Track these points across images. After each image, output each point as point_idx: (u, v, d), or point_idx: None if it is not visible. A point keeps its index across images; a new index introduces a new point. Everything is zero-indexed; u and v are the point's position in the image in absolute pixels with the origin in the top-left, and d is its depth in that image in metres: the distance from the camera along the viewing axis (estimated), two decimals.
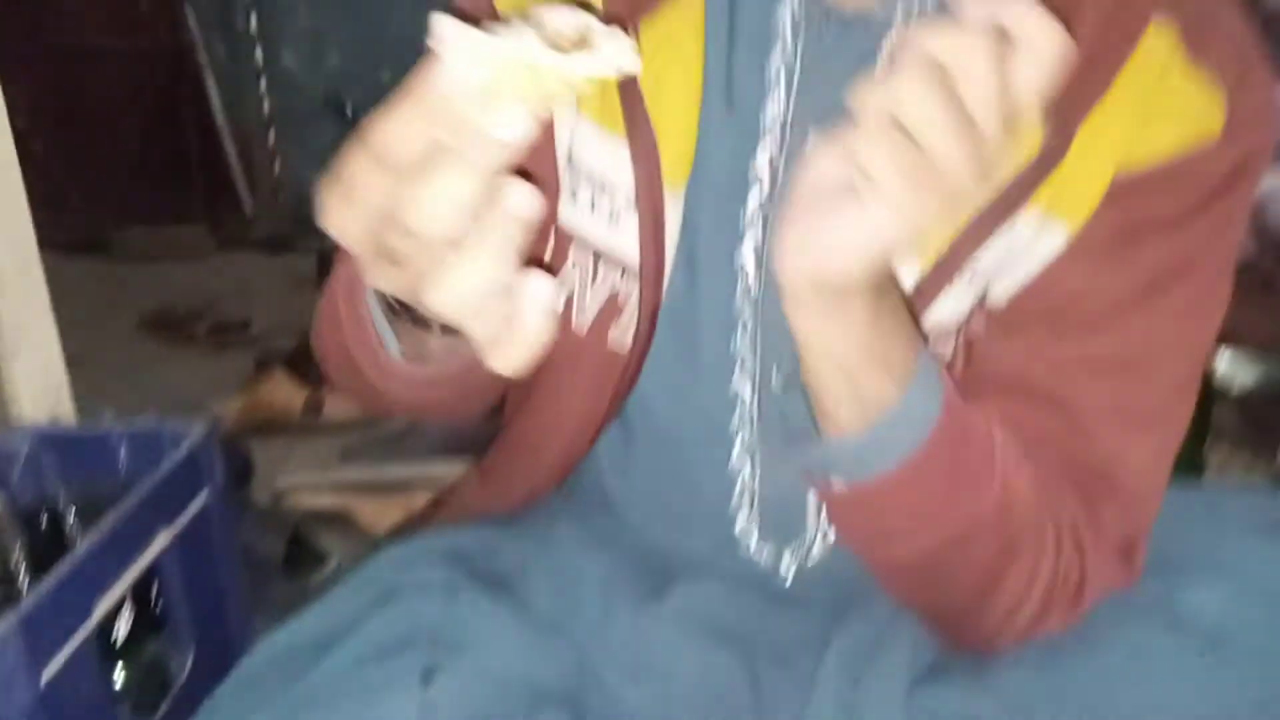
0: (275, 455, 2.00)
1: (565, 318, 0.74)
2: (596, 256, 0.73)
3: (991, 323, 0.70)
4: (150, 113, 3.55)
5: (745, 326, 0.73)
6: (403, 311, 0.60)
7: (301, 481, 1.86)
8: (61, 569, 0.95)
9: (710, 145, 0.69)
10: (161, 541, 1.11)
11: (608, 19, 0.54)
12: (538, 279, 0.48)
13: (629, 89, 0.68)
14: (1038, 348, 0.68)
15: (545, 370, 0.75)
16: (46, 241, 1.68)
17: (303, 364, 2.33)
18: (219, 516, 1.23)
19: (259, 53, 3.66)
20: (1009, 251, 0.67)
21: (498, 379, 0.69)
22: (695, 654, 0.82)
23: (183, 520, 1.15)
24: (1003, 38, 0.48)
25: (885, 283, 0.59)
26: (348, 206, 0.48)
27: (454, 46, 0.44)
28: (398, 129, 0.46)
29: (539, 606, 0.81)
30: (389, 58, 3.65)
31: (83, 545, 1.00)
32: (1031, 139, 0.62)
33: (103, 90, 3.51)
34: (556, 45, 0.44)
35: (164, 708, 1.10)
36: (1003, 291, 0.69)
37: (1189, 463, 1.64)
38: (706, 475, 0.80)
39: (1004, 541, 0.66)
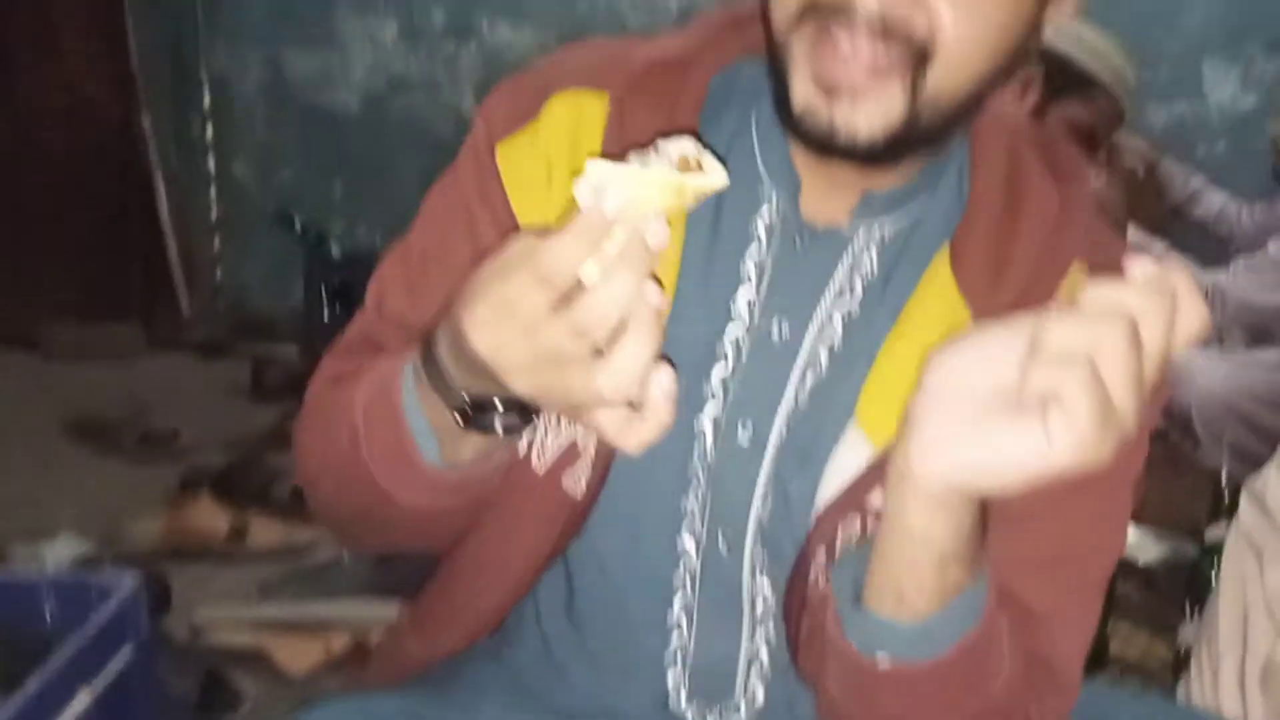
0: (195, 582, 1.98)
1: (525, 458, 0.77)
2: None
3: None
4: (95, 210, 3.56)
5: (697, 488, 0.78)
6: (474, 417, 0.65)
7: (219, 616, 1.85)
8: None
9: (681, 321, 0.75)
10: (83, 701, 1.11)
11: None
12: (665, 367, 0.57)
13: None
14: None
15: (495, 508, 0.78)
16: None
17: (229, 486, 2.33)
18: (141, 672, 1.23)
19: (211, 160, 3.71)
20: None
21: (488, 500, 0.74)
22: None
23: (105, 678, 1.15)
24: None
25: None
26: (508, 322, 0.56)
27: (615, 179, 0.54)
28: (567, 253, 0.54)
29: None
30: (342, 174, 3.73)
31: (2, 709, 1.00)
32: None
33: (51, 185, 3.52)
34: (681, 168, 0.56)
35: None
36: None
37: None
38: (644, 627, 0.83)
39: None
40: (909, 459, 0.59)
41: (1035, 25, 0.71)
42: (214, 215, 3.73)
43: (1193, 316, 0.54)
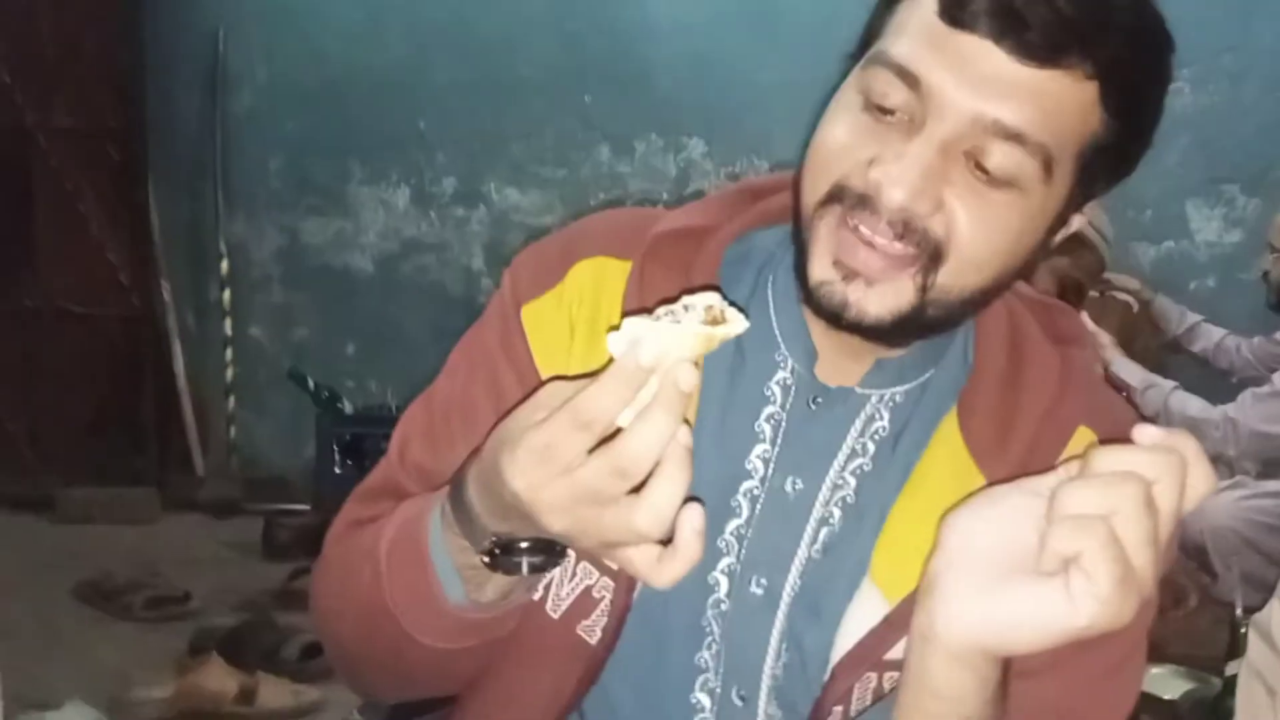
0: None
1: (539, 605, 0.79)
2: (576, 557, 0.78)
3: None
4: (112, 376, 3.65)
5: (711, 642, 0.79)
6: (500, 558, 0.67)
7: None
8: None
9: (698, 477, 0.78)
10: None
11: None
12: (694, 505, 0.60)
13: None
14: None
15: (511, 655, 0.79)
16: None
17: (239, 648, 2.31)
18: None
19: (228, 323, 3.81)
20: None
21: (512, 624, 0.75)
22: None
23: None
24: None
25: None
26: (548, 464, 0.59)
27: (649, 332, 0.59)
28: (606, 399, 0.58)
29: None
30: (355, 333, 3.82)
31: None
32: None
33: (68, 351, 3.62)
34: (707, 319, 0.61)
35: None
36: None
37: None
38: None
39: None
40: (933, 619, 0.59)
41: (1050, 233, 0.74)
42: (229, 376, 3.80)
43: (1201, 477, 0.56)
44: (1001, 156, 0.67)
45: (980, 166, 0.67)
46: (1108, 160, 0.72)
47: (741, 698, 0.79)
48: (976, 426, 0.76)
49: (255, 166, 3.83)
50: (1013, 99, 0.66)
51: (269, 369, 3.80)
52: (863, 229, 0.69)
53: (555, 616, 0.79)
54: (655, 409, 0.58)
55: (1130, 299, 2.87)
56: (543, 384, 0.66)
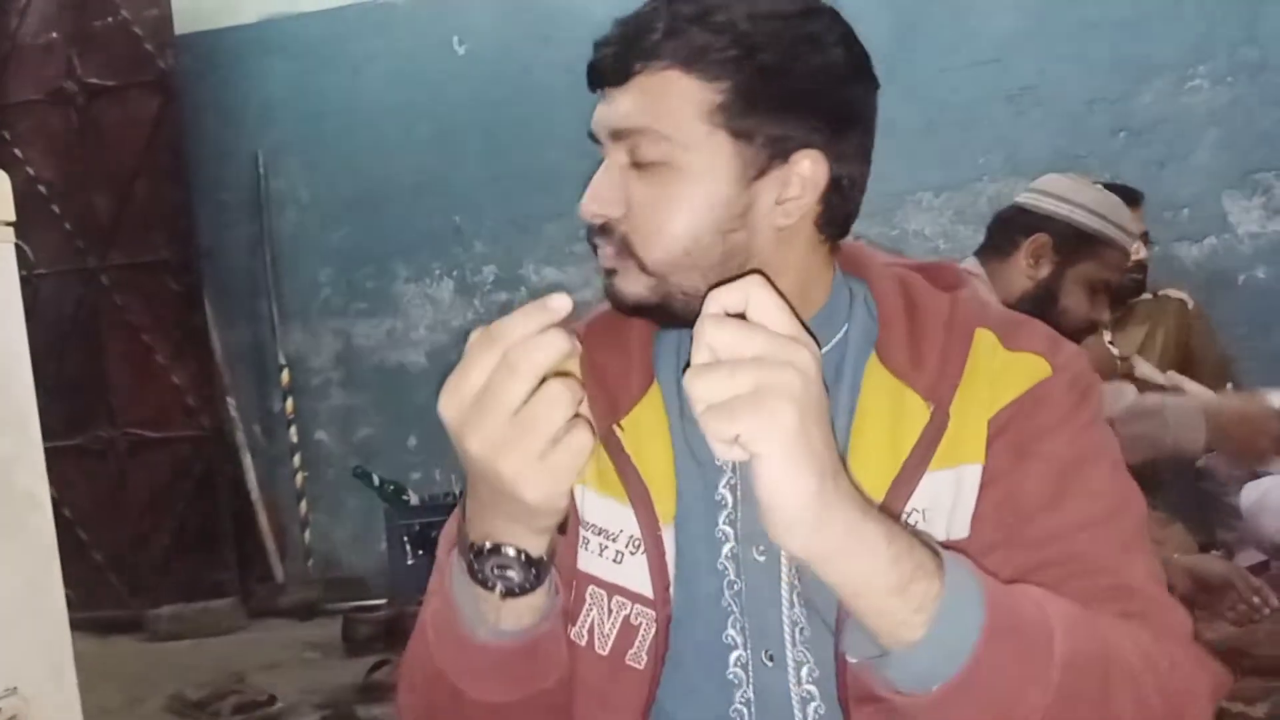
0: None
1: (590, 649, 0.86)
2: (609, 594, 0.87)
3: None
4: (188, 495, 3.77)
5: (734, 618, 0.86)
6: (477, 563, 0.72)
7: None
8: None
9: (686, 487, 0.88)
10: None
11: (598, 422, 0.75)
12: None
13: (622, 460, 0.87)
14: (1009, 556, 0.79)
15: (578, 705, 0.86)
16: (83, 624, 1.79)
17: None
18: None
19: (293, 431, 3.94)
20: (948, 500, 0.82)
21: (551, 670, 0.81)
22: None
23: None
24: None
25: (865, 503, 0.68)
26: (462, 394, 0.66)
27: None
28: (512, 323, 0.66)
29: None
30: (414, 427, 3.92)
31: None
32: (921, 418, 0.83)
33: (145, 477, 3.76)
34: None
35: None
36: (960, 528, 0.82)
37: None
38: None
39: (1099, 682, 0.72)
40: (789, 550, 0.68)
41: (752, 181, 0.84)
42: (299, 483, 3.91)
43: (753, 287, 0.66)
44: (641, 148, 0.83)
45: (635, 164, 0.84)
46: (749, 105, 0.82)
47: (770, 658, 0.85)
48: (895, 355, 0.85)
49: (306, 278, 3.99)
50: (619, 111, 0.84)
51: (336, 471, 3.90)
52: (595, 239, 0.87)
53: (604, 654, 0.86)
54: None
55: (1185, 295, 2.81)
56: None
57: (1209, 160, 3.31)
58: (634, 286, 0.85)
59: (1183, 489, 2.46)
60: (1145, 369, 2.42)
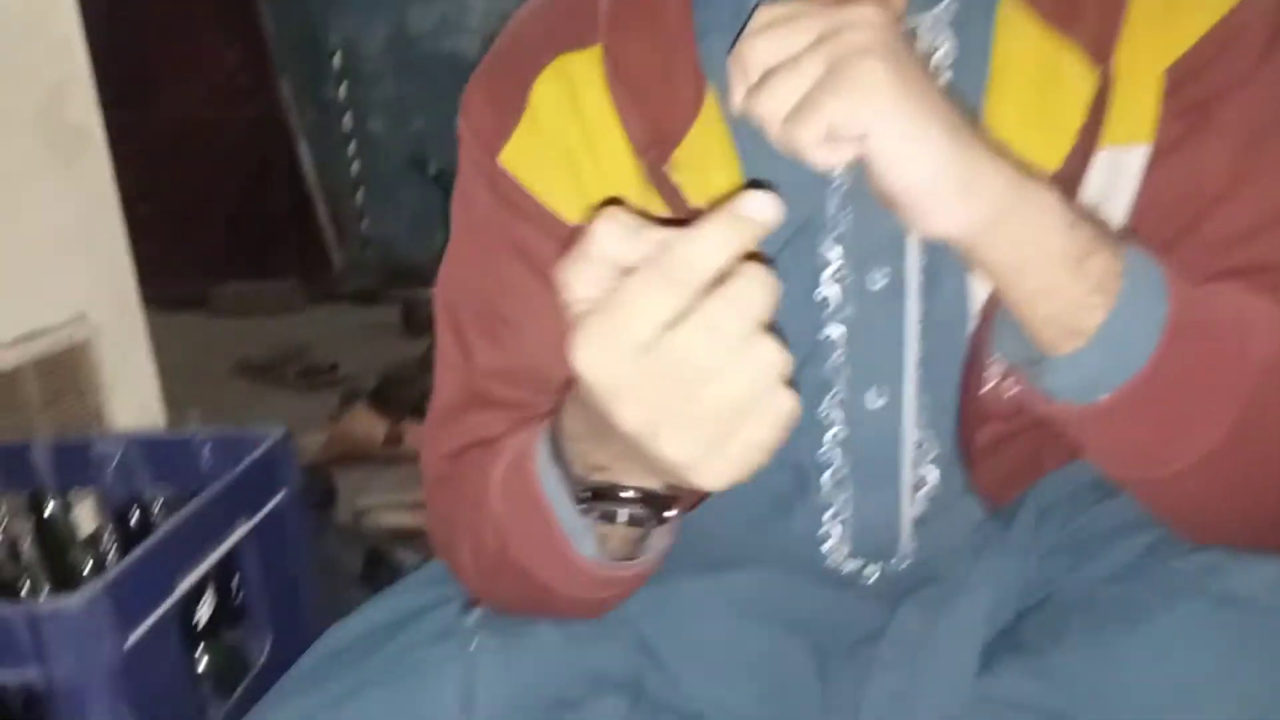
0: (357, 482, 2.08)
1: None
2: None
3: None
4: (246, 177, 3.76)
5: (835, 351, 0.74)
6: (598, 504, 0.60)
7: (381, 502, 1.93)
8: (147, 544, 1.02)
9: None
10: (240, 532, 1.17)
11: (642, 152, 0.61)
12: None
13: (679, 207, 0.70)
14: (1190, 258, 0.64)
15: None
16: (150, 299, 1.82)
17: (385, 398, 2.42)
18: (294, 516, 1.29)
19: (348, 119, 3.85)
20: (1103, 189, 0.66)
21: None
22: (759, 640, 0.80)
23: (260, 515, 1.21)
24: None
25: (1018, 159, 0.55)
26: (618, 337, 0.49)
27: None
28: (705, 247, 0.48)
29: None
30: None
31: (167, 525, 1.07)
32: (1083, 86, 0.64)
33: (203, 158, 3.73)
34: None
35: (241, 690, 1.15)
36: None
37: None
38: (796, 509, 0.79)
39: None
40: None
41: None
42: (354, 171, 3.87)
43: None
44: None
45: None
46: None
47: (883, 393, 0.73)
48: None
49: None
50: None
51: (392, 162, 3.84)
52: None
53: None
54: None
55: None
56: (575, 229, 0.57)
57: None
58: None
59: None
60: None
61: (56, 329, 1.66)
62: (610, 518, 0.61)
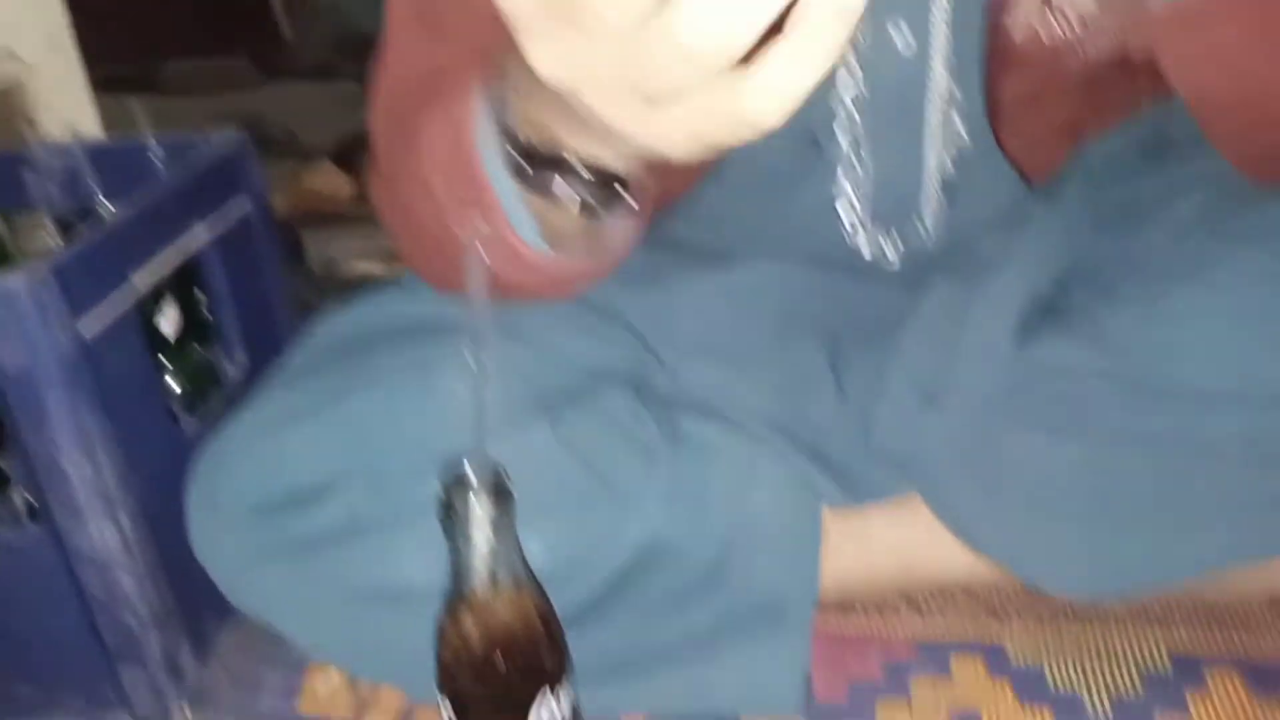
0: (325, 237, 1.97)
1: None
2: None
3: None
4: None
5: None
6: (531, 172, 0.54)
7: (354, 247, 1.84)
8: (94, 232, 0.92)
9: None
10: (200, 235, 1.08)
11: None
12: None
13: None
14: None
15: None
16: (98, 82, 1.66)
17: (348, 158, 2.30)
18: (261, 230, 1.20)
19: None
20: None
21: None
22: (764, 332, 0.78)
23: (221, 221, 1.11)
24: None
25: None
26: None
27: None
28: None
29: (592, 295, 0.77)
30: None
31: (116, 216, 0.97)
32: None
33: None
34: None
35: (215, 405, 1.08)
36: None
37: None
38: (810, 178, 0.75)
39: None
40: None
41: None
42: None
43: None
44: None
45: None
46: None
47: (913, 36, 0.68)
48: None
49: None
50: None
51: None
52: None
53: None
54: None
55: None
56: None
57: None
58: None
59: None
60: None
61: None
62: (544, 187, 0.54)
